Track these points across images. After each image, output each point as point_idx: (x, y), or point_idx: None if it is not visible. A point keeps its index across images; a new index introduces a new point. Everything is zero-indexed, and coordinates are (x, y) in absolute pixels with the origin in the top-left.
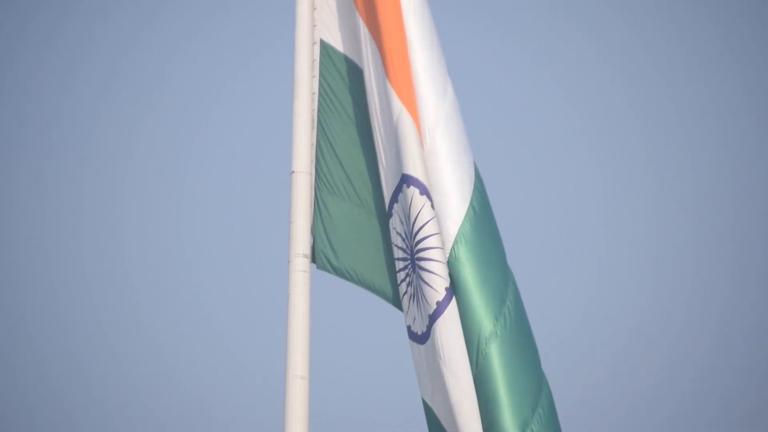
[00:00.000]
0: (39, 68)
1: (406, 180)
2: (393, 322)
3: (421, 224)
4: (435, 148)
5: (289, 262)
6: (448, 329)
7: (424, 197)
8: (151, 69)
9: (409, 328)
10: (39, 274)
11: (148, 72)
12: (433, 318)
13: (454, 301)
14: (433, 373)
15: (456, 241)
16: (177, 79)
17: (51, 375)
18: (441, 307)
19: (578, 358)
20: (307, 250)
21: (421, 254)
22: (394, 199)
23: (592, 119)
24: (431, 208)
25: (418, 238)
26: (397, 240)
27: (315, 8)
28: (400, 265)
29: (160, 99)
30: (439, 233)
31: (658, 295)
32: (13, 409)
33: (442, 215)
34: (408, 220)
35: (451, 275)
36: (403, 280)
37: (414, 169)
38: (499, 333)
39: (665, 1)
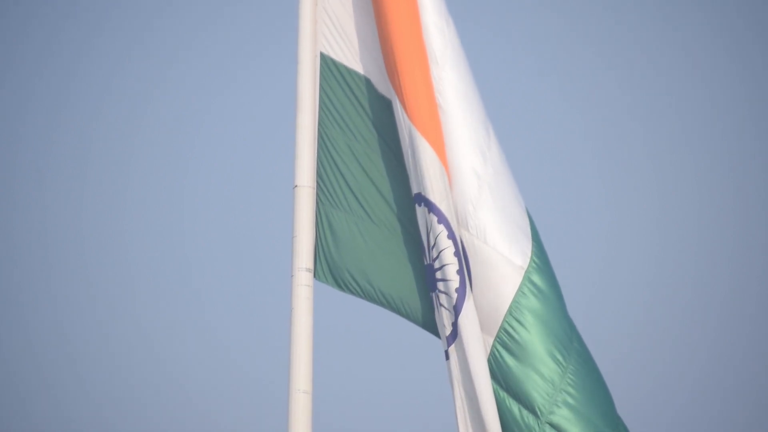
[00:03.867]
0: (41, 69)
1: (426, 204)
2: (397, 335)
3: (439, 251)
4: (490, 185)
5: (292, 276)
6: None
7: (441, 226)
8: (152, 80)
9: (446, 352)
10: (40, 280)
11: (148, 82)
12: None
13: (459, 338)
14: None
15: (531, 260)
16: (178, 90)
17: (51, 379)
18: (449, 341)
19: None
20: (310, 264)
21: (440, 285)
22: (418, 204)
23: (593, 121)
24: (446, 238)
25: (437, 265)
26: (427, 256)
27: (316, 21)
28: (430, 282)
29: (161, 111)
30: (454, 263)
31: (659, 295)
32: (12, 410)
33: (514, 229)
34: (428, 244)
35: (531, 287)
36: (433, 296)
37: (436, 197)
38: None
39: (667, 4)
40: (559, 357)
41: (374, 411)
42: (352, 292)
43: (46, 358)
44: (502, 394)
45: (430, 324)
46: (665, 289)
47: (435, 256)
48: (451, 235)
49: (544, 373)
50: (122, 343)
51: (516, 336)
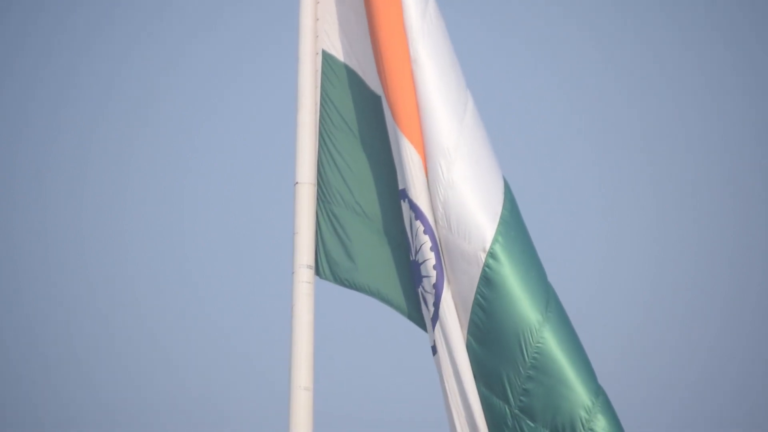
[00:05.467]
0: (41, 70)
1: (407, 200)
2: (398, 332)
3: (419, 247)
4: (456, 176)
5: (293, 273)
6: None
7: (418, 222)
8: (154, 78)
9: (433, 347)
10: (40, 280)
11: (149, 79)
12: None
13: (437, 328)
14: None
15: (494, 241)
16: (179, 88)
17: (51, 379)
18: (433, 336)
19: None
20: (311, 261)
21: (423, 281)
22: (403, 200)
23: (592, 119)
24: (422, 233)
25: (419, 260)
26: (412, 252)
27: (317, 19)
28: (416, 278)
29: (161, 109)
30: (431, 259)
31: (658, 297)
32: (16, 407)
33: (478, 214)
34: (412, 240)
35: (490, 272)
36: (419, 291)
37: (413, 192)
38: (550, 322)
39: (668, 6)
40: (522, 340)
41: (375, 408)
42: (352, 288)
43: (46, 357)
44: (479, 385)
45: (418, 319)
46: (664, 290)
47: (417, 251)
48: (428, 230)
49: (509, 358)
50: (123, 342)
51: (481, 325)
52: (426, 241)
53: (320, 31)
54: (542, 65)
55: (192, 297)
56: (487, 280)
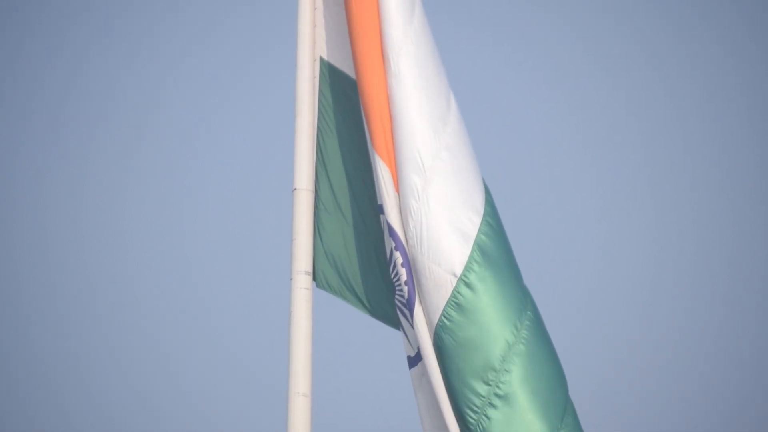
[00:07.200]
0: (42, 70)
1: (384, 215)
2: (395, 339)
3: (393, 263)
4: (430, 195)
5: (291, 279)
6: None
7: (390, 239)
8: (153, 83)
9: (408, 357)
10: (40, 280)
11: (149, 85)
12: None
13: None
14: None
15: (467, 267)
16: (179, 94)
17: (51, 379)
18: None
19: (578, 358)
20: (309, 267)
21: (398, 294)
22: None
23: (588, 120)
24: (394, 250)
25: (394, 276)
26: (390, 267)
27: (315, 25)
28: (393, 292)
29: (162, 114)
30: (403, 275)
31: (657, 297)
32: (12, 410)
33: (451, 237)
34: (387, 254)
35: (462, 298)
36: (396, 305)
37: (385, 208)
38: (521, 346)
39: (664, 6)
40: (488, 369)
41: (374, 414)
42: (343, 299)
43: (46, 358)
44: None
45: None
46: (663, 292)
47: (392, 267)
48: (399, 247)
49: (471, 382)
50: (121, 345)
51: (443, 347)
52: (398, 257)
53: (318, 38)
54: (537, 66)
55: (190, 301)
56: (458, 306)
